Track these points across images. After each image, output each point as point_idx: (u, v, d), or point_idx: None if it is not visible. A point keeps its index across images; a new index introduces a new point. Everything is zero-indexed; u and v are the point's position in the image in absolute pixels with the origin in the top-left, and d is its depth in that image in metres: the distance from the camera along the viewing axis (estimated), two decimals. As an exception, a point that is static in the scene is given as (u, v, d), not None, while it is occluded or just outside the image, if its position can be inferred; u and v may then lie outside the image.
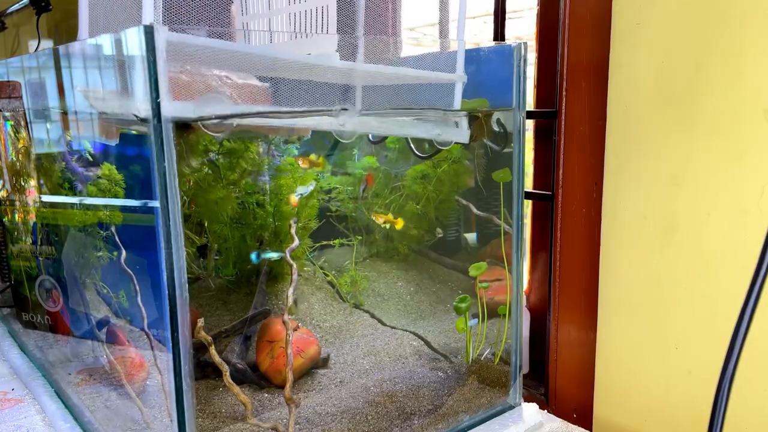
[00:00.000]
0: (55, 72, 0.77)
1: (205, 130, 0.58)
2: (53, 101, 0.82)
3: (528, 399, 0.93)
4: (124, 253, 0.69)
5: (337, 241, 1.08)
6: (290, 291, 0.69)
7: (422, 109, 0.81)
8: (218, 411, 0.77)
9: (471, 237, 1.02)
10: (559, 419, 0.85)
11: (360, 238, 1.09)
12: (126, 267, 0.69)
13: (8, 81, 0.96)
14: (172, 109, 0.53)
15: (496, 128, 0.82)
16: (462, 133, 0.79)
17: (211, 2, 0.64)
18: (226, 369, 0.63)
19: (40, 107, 0.88)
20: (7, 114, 0.96)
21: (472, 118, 0.80)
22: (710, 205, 0.75)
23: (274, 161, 0.92)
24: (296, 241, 0.70)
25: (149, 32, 0.51)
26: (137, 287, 0.67)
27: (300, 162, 0.92)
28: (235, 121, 0.60)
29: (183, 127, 0.62)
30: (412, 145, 0.90)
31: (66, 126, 0.80)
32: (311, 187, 0.89)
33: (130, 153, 0.67)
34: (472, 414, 0.81)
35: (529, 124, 1.04)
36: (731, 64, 0.72)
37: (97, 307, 0.80)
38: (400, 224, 0.99)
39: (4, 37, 1.89)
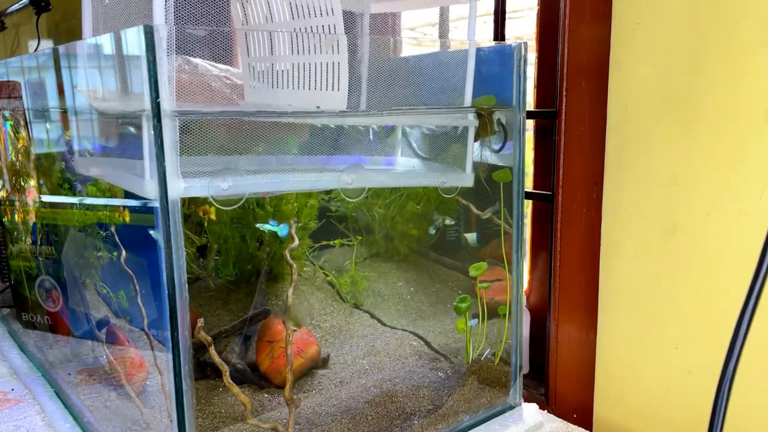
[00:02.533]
0: (55, 72, 0.77)
1: (217, 206, 0.59)
2: (53, 101, 0.82)
3: (528, 399, 0.93)
4: (124, 253, 0.69)
5: (337, 241, 1.08)
6: (290, 291, 0.69)
7: (430, 108, 0.81)
8: (218, 411, 0.77)
9: (471, 237, 1.01)
10: (559, 419, 0.85)
11: (360, 238, 1.09)
12: (126, 267, 0.69)
13: (8, 81, 0.96)
14: (183, 188, 0.54)
15: (496, 128, 0.82)
16: (467, 178, 0.79)
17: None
18: (225, 369, 0.63)
19: (40, 107, 0.88)
20: (6, 114, 0.96)
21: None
22: (710, 205, 0.75)
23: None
24: (296, 242, 0.70)
25: (149, 32, 0.51)
26: (137, 287, 0.67)
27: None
28: (248, 192, 0.61)
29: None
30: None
31: (66, 126, 0.80)
32: (284, 229, 0.88)
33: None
34: (472, 414, 0.81)
35: (529, 124, 1.04)
36: (731, 64, 0.72)
37: (96, 307, 0.80)
38: (212, 213, 0.93)
39: (4, 37, 1.89)
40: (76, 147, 0.77)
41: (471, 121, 0.77)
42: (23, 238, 0.98)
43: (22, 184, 0.96)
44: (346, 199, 0.71)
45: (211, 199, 0.58)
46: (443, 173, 0.78)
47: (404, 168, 0.85)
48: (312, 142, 0.76)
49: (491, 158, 0.83)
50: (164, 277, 0.54)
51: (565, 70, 0.86)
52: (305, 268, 1.08)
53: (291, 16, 0.69)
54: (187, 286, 0.56)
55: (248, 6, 0.74)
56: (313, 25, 0.66)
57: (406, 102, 0.79)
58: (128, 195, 0.69)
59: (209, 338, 0.63)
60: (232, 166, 0.62)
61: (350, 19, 0.70)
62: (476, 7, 0.73)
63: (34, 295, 0.97)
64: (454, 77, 0.77)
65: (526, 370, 1.04)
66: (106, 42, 0.64)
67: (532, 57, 0.99)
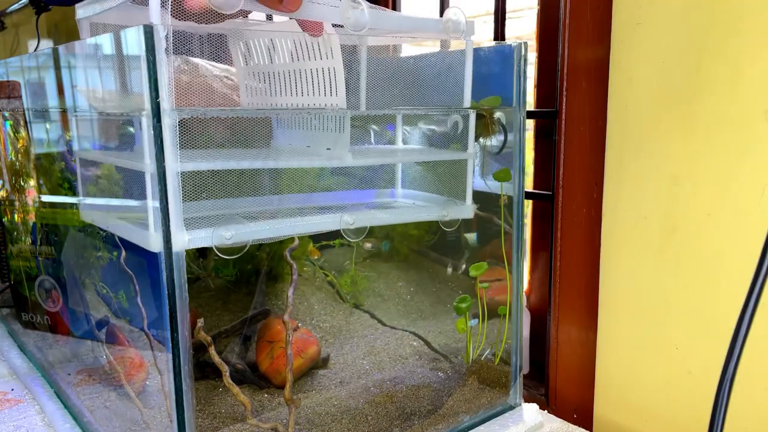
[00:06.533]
0: (55, 72, 0.77)
1: (220, 255, 0.59)
2: (53, 101, 0.82)
3: (528, 399, 0.93)
4: (123, 253, 0.69)
5: (337, 241, 1.08)
6: (290, 291, 0.69)
7: (429, 108, 0.81)
8: (218, 411, 0.77)
9: (471, 237, 1.01)
10: (560, 419, 0.85)
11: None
12: (126, 267, 0.69)
13: (8, 81, 0.96)
14: (186, 240, 0.55)
15: (497, 128, 0.82)
16: (467, 210, 0.80)
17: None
18: (225, 369, 0.63)
19: (40, 107, 0.88)
20: (6, 114, 0.96)
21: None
22: (710, 205, 0.75)
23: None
24: (296, 242, 0.70)
25: (149, 32, 0.50)
26: (137, 287, 0.67)
27: None
28: (251, 239, 0.62)
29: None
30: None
31: (65, 126, 0.80)
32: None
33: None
34: (472, 414, 0.81)
35: (529, 124, 1.04)
36: (731, 64, 0.72)
37: (96, 307, 0.80)
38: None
39: (3, 37, 1.89)
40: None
41: (470, 154, 0.78)
42: (23, 238, 0.98)
43: (22, 184, 0.96)
44: (348, 240, 0.72)
45: (214, 249, 0.59)
46: (444, 207, 0.78)
47: (404, 199, 0.86)
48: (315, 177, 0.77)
49: (492, 165, 0.83)
50: (164, 277, 0.54)
51: (565, 70, 0.86)
52: (305, 268, 1.08)
53: (291, 59, 0.69)
54: (187, 286, 0.56)
55: (249, 51, 0.74)
56: (312, 68, 0.66)
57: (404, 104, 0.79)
58: (127, 196, 0.69)
59: (209, 338, 0.63)
60: (233, 209, 0.63)
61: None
62: (471, 44, 0.74)
63: (33, 295, 0.97)
64: (452, 80, 0.77)
65: (526, 370, 1.04)
66: (105, 42, 0.64)
67: (532, 57, 0.99)
